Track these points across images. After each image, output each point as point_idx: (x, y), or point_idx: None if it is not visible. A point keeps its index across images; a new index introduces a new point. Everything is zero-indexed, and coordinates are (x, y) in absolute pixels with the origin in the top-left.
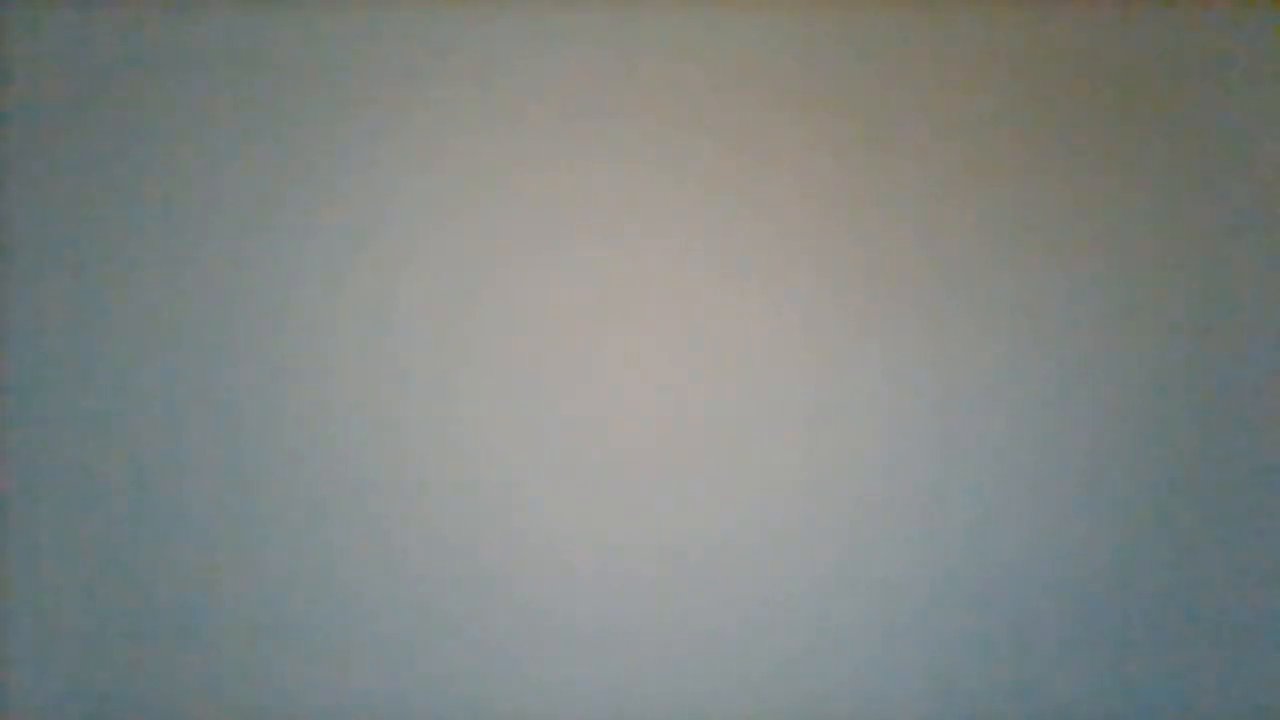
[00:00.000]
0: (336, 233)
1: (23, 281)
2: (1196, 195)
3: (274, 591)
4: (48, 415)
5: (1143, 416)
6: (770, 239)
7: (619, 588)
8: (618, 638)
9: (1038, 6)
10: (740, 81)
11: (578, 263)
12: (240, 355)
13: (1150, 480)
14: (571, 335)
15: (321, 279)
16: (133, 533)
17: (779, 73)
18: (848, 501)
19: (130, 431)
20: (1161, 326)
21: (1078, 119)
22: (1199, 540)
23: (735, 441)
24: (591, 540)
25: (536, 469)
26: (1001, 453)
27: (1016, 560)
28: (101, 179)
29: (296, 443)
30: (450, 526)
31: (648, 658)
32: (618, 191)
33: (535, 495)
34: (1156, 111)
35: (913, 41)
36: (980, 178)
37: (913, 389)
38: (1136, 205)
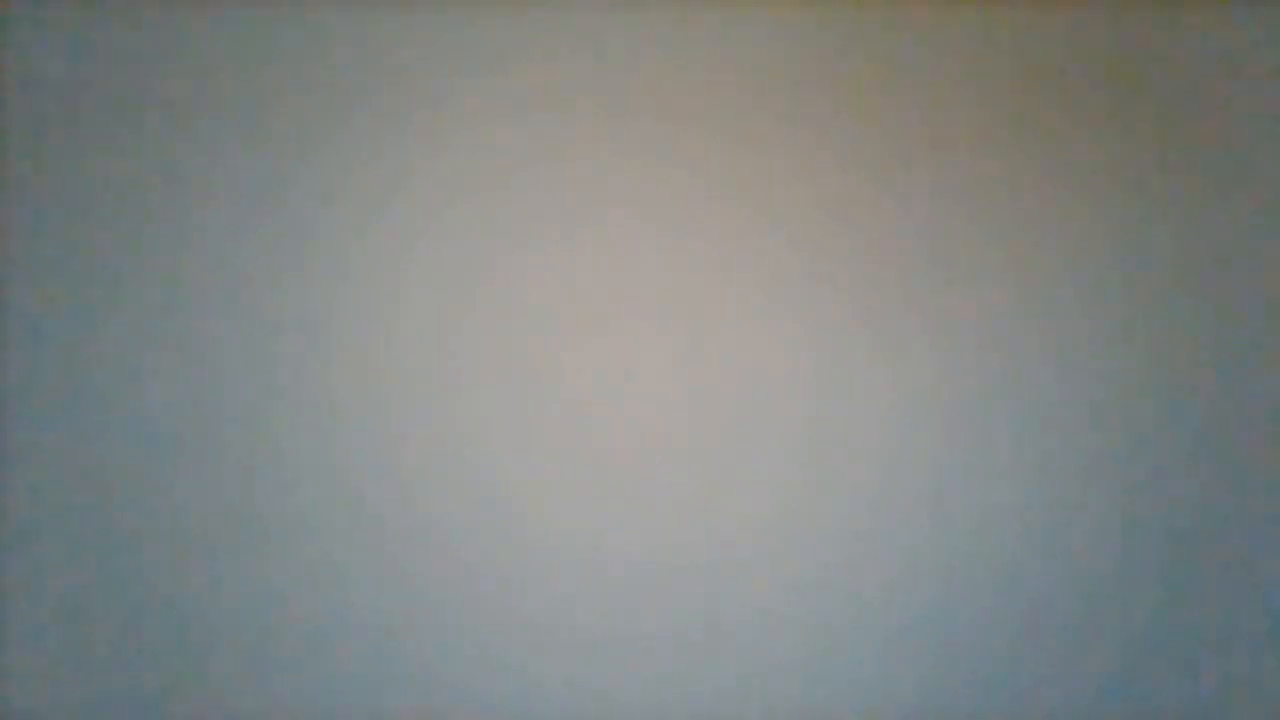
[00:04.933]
0: (336, 232)
1: (23, 281)
2: (1198, 195)
3: (272, 592)
4: (47, 415)
5: (1144, 416)
6: (771, 238)
7: (617, 588)
8: (616, 639)
9: (1038, 6)
10: (740, 80)
11: (577, 263)
12: (239, 355)
13: (1152, 482)
14: (570, 335)
15: (321, 278)
16: (132, 533)
17: (779, 72)
18: (849, 502)
19: (129, 431)
20: (1164, 326)
21: (1078, 119)
22: (1201, 542)
23: (735, 441)
24: (589, 540)
25: (535, 470)
26: (1004, 454)
27: (1018, 562)
28: (101, 179)
29: (295, 443)
30: (448, 528)
31: (647, 659)
32: (617, 191)
33: (534, 496)
34: (1156, 111)
35: (913, 41)
36: (981, 177)
37: (914, 388)
38: (1138, 204)
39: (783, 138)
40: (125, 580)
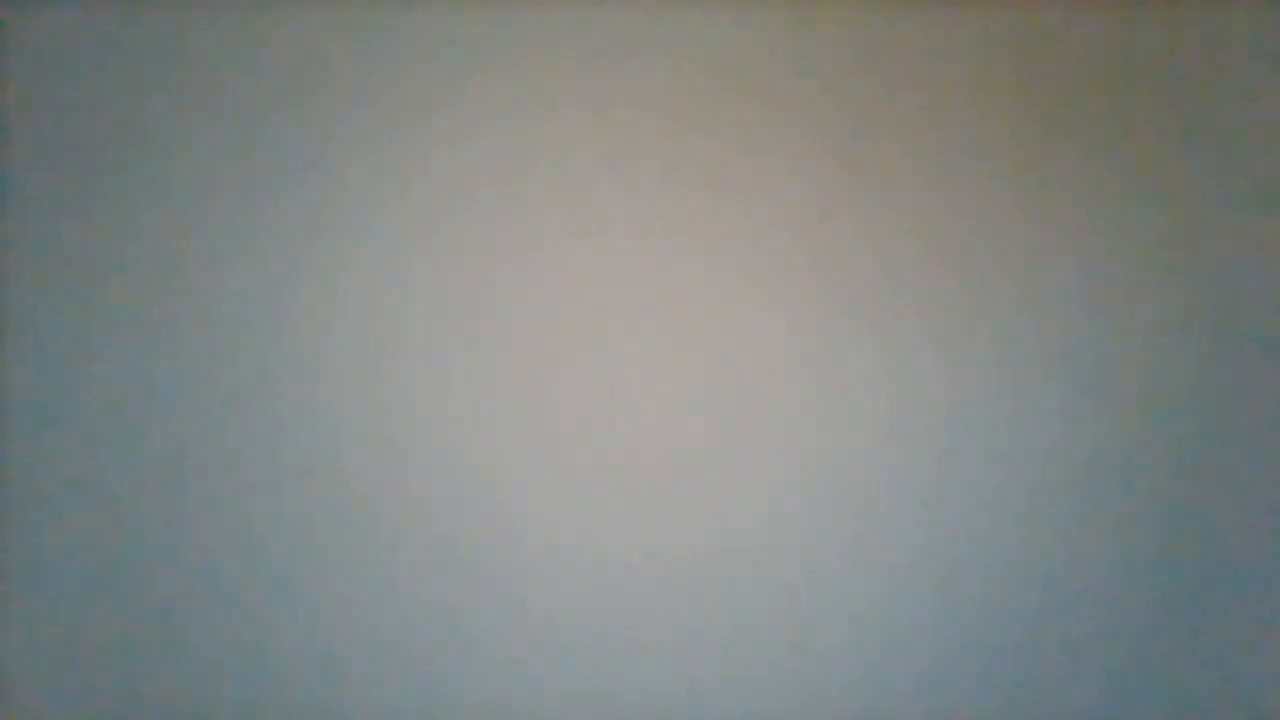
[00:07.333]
0: (334, 232)
1: (23, 281)
2: (1197, 194)
3: (272, 594)
4: (47, 415)
5: (1144, 416)
6: (771, 238)
7: (617, 590)
8: (615, 640)
9: (1038, 6)
10: (740, 80)
11: (576, 263)
12: (238, 355)
13: (1152, 484)
14: (569, 336)
15: (319, 278)
16: (132, 533)
17: (779, 72)
18: (848, 503)
19: (129, 431)
20: (1163, 326)
21: (1078, 119)
22: (1201, 544)
23: (735, 442)
24: (589, 541)
25: (534, 471)
26: (1004, 454)
27: (1019, 562)
28: (101, 179)
29: (294, 443)
30: (448, 528)
31: (647, 661)
32: (617, 191)
33: (533, 497)
34: (1157, 110)
35: (913, 41)
36: (980, 177)
37: (914, 389)
38: (1137, 203)
39: (783, 138)
40: (126, 580)
